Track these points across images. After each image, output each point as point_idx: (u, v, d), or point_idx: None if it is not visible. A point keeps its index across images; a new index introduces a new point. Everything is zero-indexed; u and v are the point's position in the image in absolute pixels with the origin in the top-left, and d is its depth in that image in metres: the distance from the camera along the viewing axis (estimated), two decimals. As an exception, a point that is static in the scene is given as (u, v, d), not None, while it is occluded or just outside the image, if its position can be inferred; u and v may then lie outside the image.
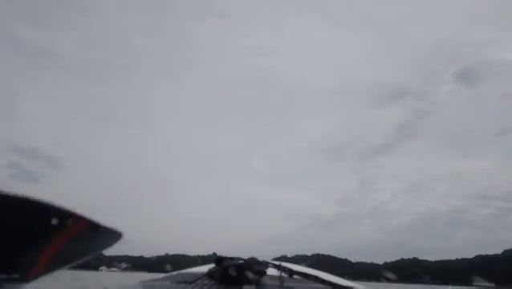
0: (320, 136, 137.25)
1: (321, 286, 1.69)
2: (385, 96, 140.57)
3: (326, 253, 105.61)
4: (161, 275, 2.21)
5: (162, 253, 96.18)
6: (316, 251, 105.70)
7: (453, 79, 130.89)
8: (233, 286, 1.62)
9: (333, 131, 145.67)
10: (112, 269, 77.74)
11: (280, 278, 1.68)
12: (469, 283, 74.37)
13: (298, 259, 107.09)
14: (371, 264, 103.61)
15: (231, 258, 1.75)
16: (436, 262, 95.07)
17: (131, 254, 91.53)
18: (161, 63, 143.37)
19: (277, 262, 1.80)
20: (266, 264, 1.75)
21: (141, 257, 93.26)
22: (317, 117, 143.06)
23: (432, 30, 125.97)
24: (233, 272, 1.65)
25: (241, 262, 1.71)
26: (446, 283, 70.41)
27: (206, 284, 1.68)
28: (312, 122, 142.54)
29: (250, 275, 1.65)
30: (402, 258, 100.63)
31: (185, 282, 1.68)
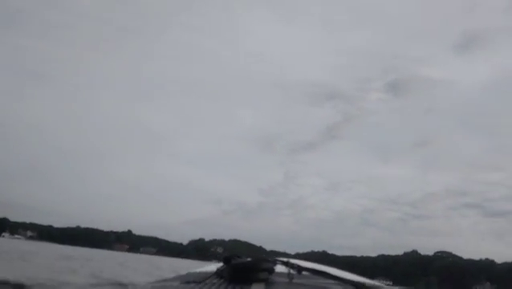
0: (253, 125, 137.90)
1: (331, 281, 1.67)
2: (319, 96, 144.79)
3: (243, 239, 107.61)
4: (169, 277, 2.17)
5: (73, 225, 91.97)
6: (234, 237, 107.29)
7: (383, 88, 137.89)
8: (242, 284, 1.60)
9: (266, 122, 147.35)
10: (16, 236, 72.88)
11: (289, 275, 1.65)
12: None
13: (214, 243, 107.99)
14: (284, 253, 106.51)
15: (239, 257, 1.73)
16: (343, 257, 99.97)
17: (39, 222, 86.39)
18: (97, 27, 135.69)
19: (285, 259, 1.77)
20: (274, 261, 1.73)
21: (51, 227, 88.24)
22: (253, 107, 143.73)
23: (369, 39, 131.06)
24: (241, 270, 1.63)
25: (249, 260, 1.69)
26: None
27: (215, 283, 1.67)
28: (247, 111, 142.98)
29: (259, 273, 1.63)
30: (312, 251, 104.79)
31: (194, 282, 1.66)
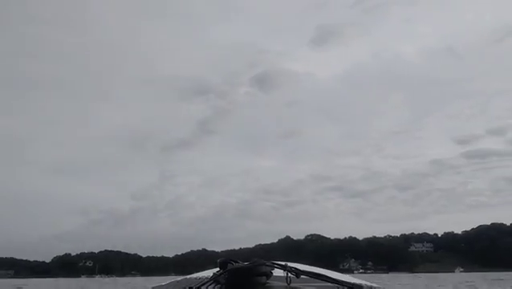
0: (121, 124, 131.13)
1: (328, 284, 1.69)
2: (190, 91, 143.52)
3: (115, 249, 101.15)
4: (165, 282, 2.19)
5: None
6: (104, 248, 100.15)
7: (250, 82, 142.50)
8: None
9: (136, 121, 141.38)
10: None
11: (287, 278, 1.64)
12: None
13: (83, 257, 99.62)
14: (162, 258, 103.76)
15: (236, 262, 1.70)
16: (222, 252, 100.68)
17: None
18: None
19: (283, 263, 1.72)
20: (271, 265, 1.68)
21: None
22: (119, 105, 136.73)
23: (235, 34, 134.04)
24: (238, 276, 1.61)
25: (246, 264, 1.64)
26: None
27: None
28: (113, 109, 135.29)
29: (257, 278, 1.61)
30: (192, 250, 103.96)
31: (190, 288, 1.63)
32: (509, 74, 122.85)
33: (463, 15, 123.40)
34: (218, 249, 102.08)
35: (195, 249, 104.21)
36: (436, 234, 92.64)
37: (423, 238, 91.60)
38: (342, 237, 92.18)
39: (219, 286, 1.64)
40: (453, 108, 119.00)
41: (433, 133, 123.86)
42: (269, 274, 1.66)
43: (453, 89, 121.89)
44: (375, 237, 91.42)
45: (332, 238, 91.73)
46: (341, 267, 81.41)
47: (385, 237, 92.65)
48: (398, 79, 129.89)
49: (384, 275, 55.76)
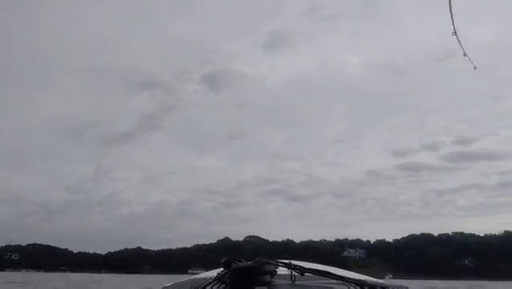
0: (60, 113, 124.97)
1: (334, 281, 1.69)
2: (136, 84, 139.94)
3: (45, 243, 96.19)
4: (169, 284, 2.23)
5: None
6: (33, 241, 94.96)
7: (200, 80, 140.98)
8: None
9: (75, 111, 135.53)
10: None
11: (291, 276, 1.65)
12: (186, 271, 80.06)
13: (8, 250, 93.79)
14: (94, 254, 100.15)
15: (239, 261, 1.70)
16: (158, 251, 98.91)
17: None
18: None
19: (287, 261, 1.72)
20: (275, 263, 1.68)
21: None
22: (60, 93, 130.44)
23: (187, 30, 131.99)
24: (243, 275, 1.62)
25: (250, 263, 1.65)
26: (165, 272, 73.32)
27: None
28: (53, 97, 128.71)
29: (261, 277, 1.62)
30: (126, 248, 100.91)
31: (196, 288, 1.65)
32: (445, 93, 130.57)
33: (408, 33, 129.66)
34: (154, 248, 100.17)
35: (129, 247, 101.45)
36: (368, 241, 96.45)
37: (356, 244, 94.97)
38: (280, 239, 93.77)
39: (224, 285, 1.64)
40: (391, 122, 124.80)
41: (372, 144, 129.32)
42: (273, 273, 1.66)
43: (392, 103, 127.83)
44: (311, 240, 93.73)
45: (271, 239, 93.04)
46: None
47: (321, 241, 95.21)
48: (342, 89, 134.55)
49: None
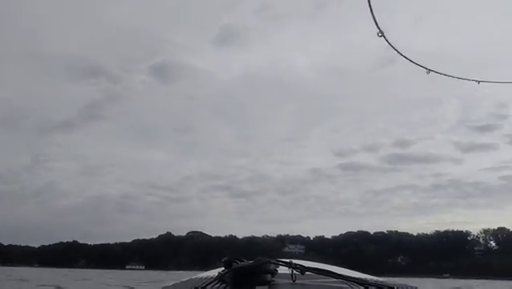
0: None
1: (334, 280, 1.69)
2: (78, 71, 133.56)
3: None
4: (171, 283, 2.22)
5: None
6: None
7: (148, 71, 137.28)
8: (246, 288, 1.59)
9: (12, 96, 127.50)
10: None
11: (292, 275, 1.65)
12: (123, 267, 77.87)
13: None
14: (26, 247, 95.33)
15: (240, 260, 1.70)
16: (96, 245, 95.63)
17: None
18: None
19: (287, 260, 1.71)
20: (276, 263, 1.68)
21: None
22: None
23: (135, 18, 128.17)
24: (244, 274, 1.61)
25: (251, 262, 1.64)
26: (101, 267, 70.95)
27: (218, 288, 1.65)
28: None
29: (262, 276, 1.62)
30: (61, 242, 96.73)
31: (196, 288, 1.63)
32: (386, 98, 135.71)
33: (355, 37, 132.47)
34: (91, 242, 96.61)
35: (65, 240, 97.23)
36: (308, 237, 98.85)
37: (297, 239, 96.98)
38: (223, 235, 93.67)
39: (224, 285, 1.64)
40: (335, 123, 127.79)
41: (316, 144, 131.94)
42: (274, 272, 1.66)
43: (337, 105, 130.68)
44: (254, 236, 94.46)
45: (213, 235, 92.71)
46: (218, 264, 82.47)
47: (263, 237, 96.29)
48: (290, 89, 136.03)
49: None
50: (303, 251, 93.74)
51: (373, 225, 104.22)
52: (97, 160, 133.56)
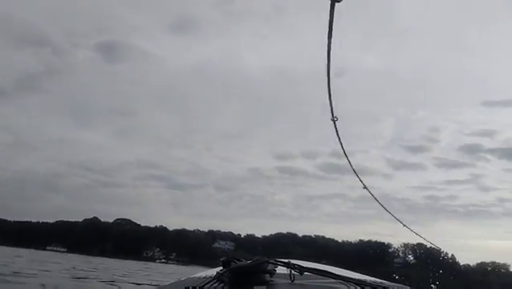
0: None
1: (333, 281, 1.70)
2: (20, 38, 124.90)
3: None
4: (168, 282, 2.21)
5: None
6: None
7: (95, 48, 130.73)
8: (244, 288, 1.61)
9: None
10: None
11: (290, 276, 1.66)
12: (44, 248, 74.16)
13: None
14: None
15: (239, 260, 1.72)
16: (16, 222, 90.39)
17: None
18: None
19: (286, 260, 1.75)
20: (275, 263, 1.71)
21: None
22: None
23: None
24: (242, 274, 1.63)
25: (249, 262, 1.67)
26: (18, 246, 66.97)
27: (216, 288, 1.66)
28: None
29: (260, 276, 1.63)
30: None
31: (194, 287, 1.65)
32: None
33: (307, 48, 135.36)
34: (11, 218, 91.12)
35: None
36: (239, 234, 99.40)
37: (228, 236, 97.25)
38: (153, 225, 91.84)
39: (223, 284, 1.64)
40: (279, 126, 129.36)
41: (258, 144, 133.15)
42: (272, 272, 1.67)
43: (282, 109, 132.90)
44: (184, 229, 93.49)
45: (143, 225, 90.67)
46: (144, 255, 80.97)
47: (194, 231, 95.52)
48: (239, 87, 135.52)
49: (182, 267, 56.71)
50: (233, 248, 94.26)
51: (303, 228, 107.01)
52: (28, 135, 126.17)
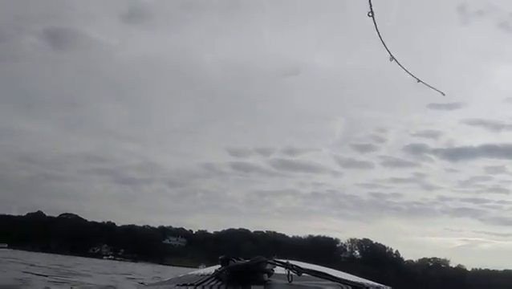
0: None
1: (330, 283, 1.70)
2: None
3: None
4: (166, 279, 2.20)
5: None
6: None
7: (42, 34, 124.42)
8: (241, 287, 1.61)
9: None
10: None
11: (288, 276, 1.66)
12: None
13: None
14: None
15: (237, 259, 1.72)
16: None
17: None
18: None
19: (284, 261, 1.75)
20: (273, 263, 1.70)
21: None
22: None
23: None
24: (240, 273, 1.62)
25: (248, 261, 1.66)
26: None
27: (213, 286, 1.66)
28: None
29: (258, 275, 1.63)
30: None
31: (191, 284, 1.67)
32: (283, 106, 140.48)
33: (264, 43, 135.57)
34: None
35: None
36: (191, 230, 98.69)
37: (179, 232, 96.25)
38: (100, 220, 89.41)
39: (220, 282, 1.65)
40: (233, 122, 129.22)
41: (211, 140, 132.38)
42: (270, 272, 1.67)
43: (237, 106, 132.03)
44: (133, 225, 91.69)
45: (90, 220, 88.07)
46: (91, 251, 78.79)
47: (144, 227, 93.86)
48: (193, 81, 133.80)
49: (130, 264, 55.66)
50: (184, 244, 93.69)
51: (255, 224, 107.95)
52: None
